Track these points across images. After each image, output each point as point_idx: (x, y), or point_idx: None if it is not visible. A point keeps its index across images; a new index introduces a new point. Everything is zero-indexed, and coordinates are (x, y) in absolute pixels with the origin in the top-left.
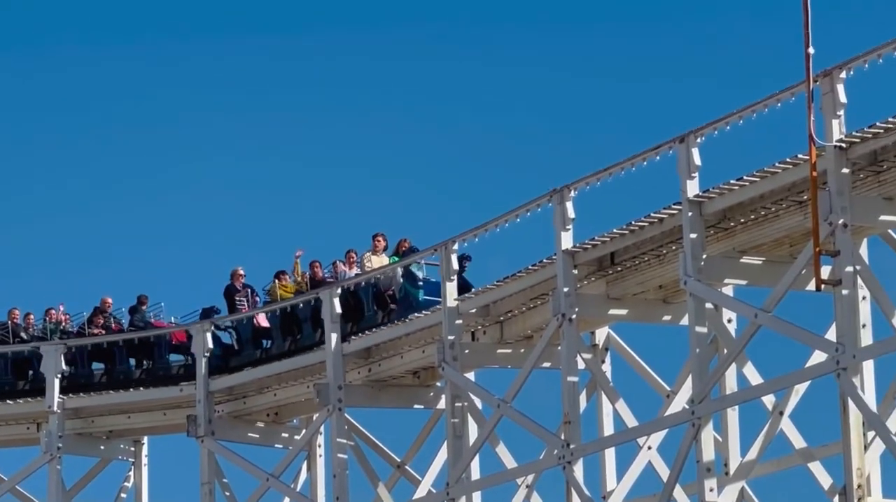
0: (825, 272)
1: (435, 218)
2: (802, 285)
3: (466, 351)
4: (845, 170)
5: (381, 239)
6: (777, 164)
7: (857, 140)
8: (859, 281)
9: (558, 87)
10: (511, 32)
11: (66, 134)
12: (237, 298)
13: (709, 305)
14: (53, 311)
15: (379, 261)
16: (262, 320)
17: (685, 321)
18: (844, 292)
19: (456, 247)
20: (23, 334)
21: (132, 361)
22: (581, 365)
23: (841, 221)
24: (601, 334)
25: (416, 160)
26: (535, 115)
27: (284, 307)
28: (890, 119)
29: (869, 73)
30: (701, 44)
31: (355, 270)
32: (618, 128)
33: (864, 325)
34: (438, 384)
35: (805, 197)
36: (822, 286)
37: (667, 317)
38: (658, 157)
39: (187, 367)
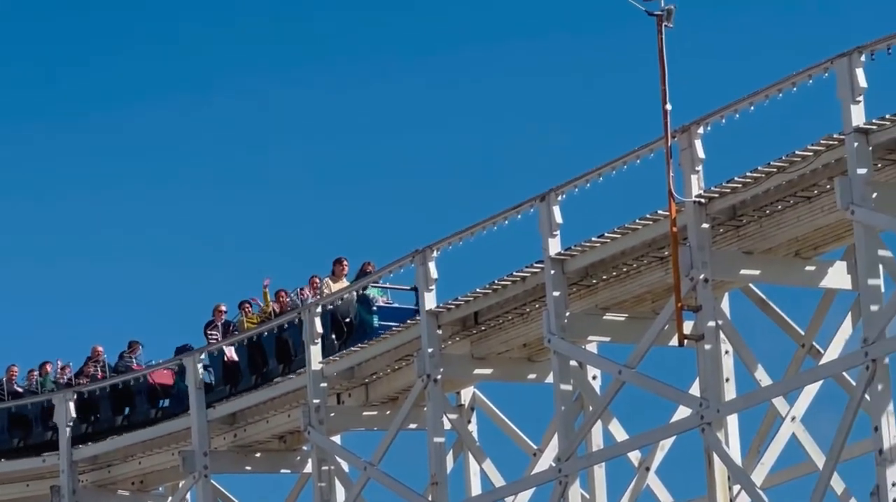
0: (687, 327)
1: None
2: (665, 340)
3: (332, 414)
4: (705, 226)
5: (343, 263)
6: (638, 221)
7: (716, 195)
8: (721, 335)
9: (409, 147)
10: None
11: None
12: (209, 333)
13: (573, 363)
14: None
15: (339, 286)
16: (233, 354)
17: (550, 379)
18: (707, 347)
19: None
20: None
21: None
22: (447, 425)
23: (702, 276)
24: (467, 394)
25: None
26: (399, 175)
27: (251, 339)
28: (748, 174)
29: (726, 129)
30: (563, 98)
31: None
32: (478, 186)
33: (727, 379)
34: (305, 448)
35: (666, 252)
36: (685, 341)
37: (532, 376)
38: (519, 216)
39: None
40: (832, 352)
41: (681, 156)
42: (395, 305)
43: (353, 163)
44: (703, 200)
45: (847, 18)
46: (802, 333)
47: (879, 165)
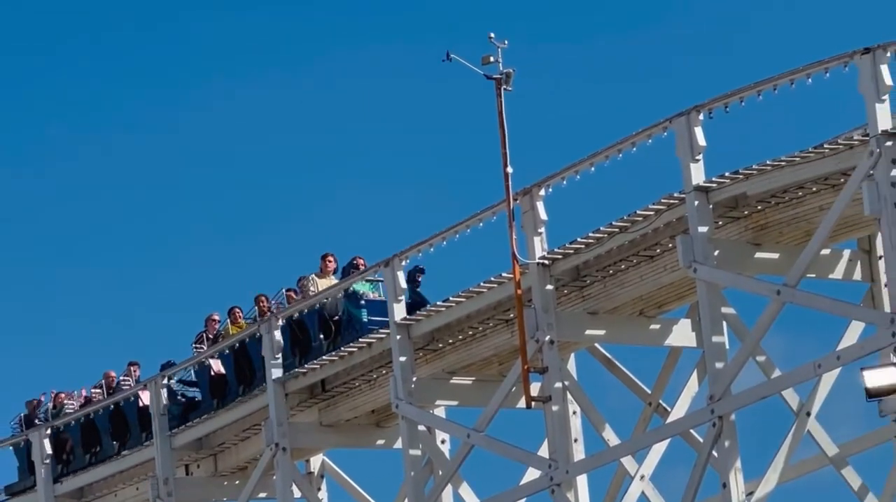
0: (535, 389)
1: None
2: (513, 403)
3: (181, 486)
4: (549, 287)
5: (330, 259)
6: (482, 284)
7: (560, 256)
8: (568, 396)
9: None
10: None
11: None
12: (194, 347)
13: (422, 427)
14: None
15: (326, 283)
16: (218, 366)
17: (399, 444)
18: (554, 408)
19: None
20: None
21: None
22: (297, 493)
23: (547, 338)
24: (316, 461)
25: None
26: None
27: (234, 347)
28: (590, 234)
29: (567, 190)
30: (410, 160)
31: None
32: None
33: (575, 440)
34: None
35: (511, 315)
36: (533, 403)
37: (381, 441)
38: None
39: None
40: (679, 410)
41: (523, 219)
42: (381, 299)
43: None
44: (546, 262)
45: (686, 77)
46: (649, 391)
47: (720, 223)
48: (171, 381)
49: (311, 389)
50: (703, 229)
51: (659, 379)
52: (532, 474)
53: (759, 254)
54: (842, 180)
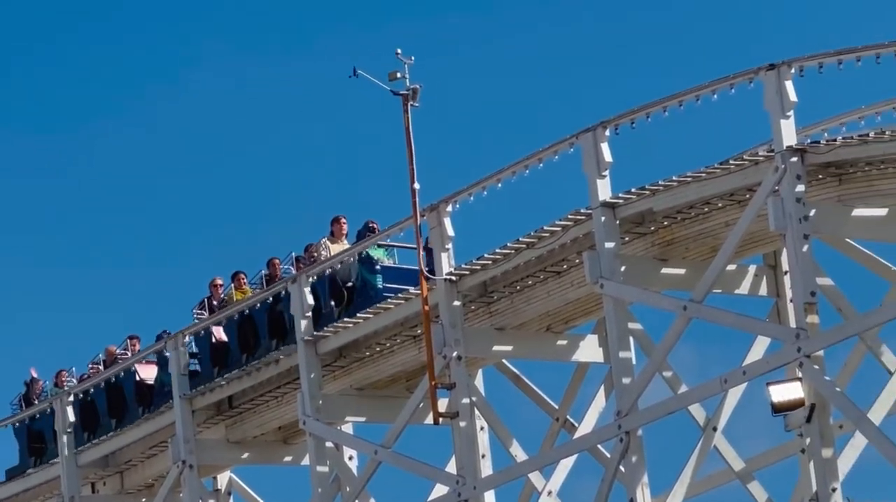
0: (442, 405)
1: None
2: (421, 419)
3: None
4: (457, 303)
5: (342, 222)
6: (390, 300)
7: (467, 272)
8: (476, 412)
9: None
10: None
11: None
12: (196, 312)
13: (329, 444)
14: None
15: (339, 248)
16: (221, 334)
17: (307, 461)
18: (462, 424)
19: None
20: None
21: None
22: None
23: (455, 354)
24: (223, 478)
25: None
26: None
27: (242, 313)
28: (497, 250)
29: (474, 206)
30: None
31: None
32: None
33: (483, 456)
34: None
35: (419, 331)
36: (440, 419)
37: (288, 458)
38: (270, 298)
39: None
40: (586, 426)
41: (431, 235)
42: (402, 266)
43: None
44: (454, 278)
45: (592, 93)
46: (556, 407)
47: (627, 239)
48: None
49: (218, 406)
50: (609, 245)
51: (566, 394)
52: (440, 490)
53: (665, 270)
54: (747, 196)
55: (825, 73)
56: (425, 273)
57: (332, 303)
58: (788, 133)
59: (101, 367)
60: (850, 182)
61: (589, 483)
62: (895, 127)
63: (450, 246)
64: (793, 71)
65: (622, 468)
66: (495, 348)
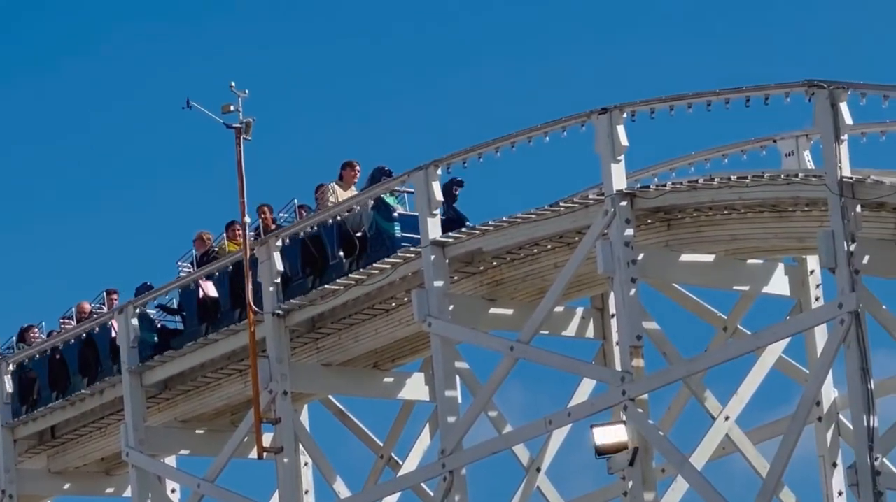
0: (267, 439)
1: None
2: (246, 453)
3: None
4: (284, 338)
5: (354, 167)
6: (218, 333)
7: (296, 307)
8: (301, 447)
9: None
10: None
11: None
12: (180, 265)
13: (152, 476)
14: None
15: (348, 194)
16: (210, 289)
17: (129, 492)
18: (286, 459)
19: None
20: None
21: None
22: None
23: (281, 389)
24: None
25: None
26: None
27: (227, 269)
28: (327, 286)
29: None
30: (147, 208)
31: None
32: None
33: (306, 491)
34: None
35: (246, 365)
36: (265, 454)
37: (110, 490)
38: (97, 329)
39: None
40: (410, 463)
41: (260, 269)
42: (413, 214)
43: None
44: (281, 312)
45: (426, 132)
46: (381, 444)
47: (456, 278)
48: (148, 308)
49: (41, 435)
50: (438, 283)
51: (391, 432)
52: None
53: (493, 310)
54: (577, 238)
55: (657, 119)
56: (253, 307)
57: (342, 253)
58: (619, 177)
59: (73, 322)
60: (679, 227)
61: None
62: (724, 174)
63: (278, 280)
64: (625, 115)
65: None
66: (322, 384)
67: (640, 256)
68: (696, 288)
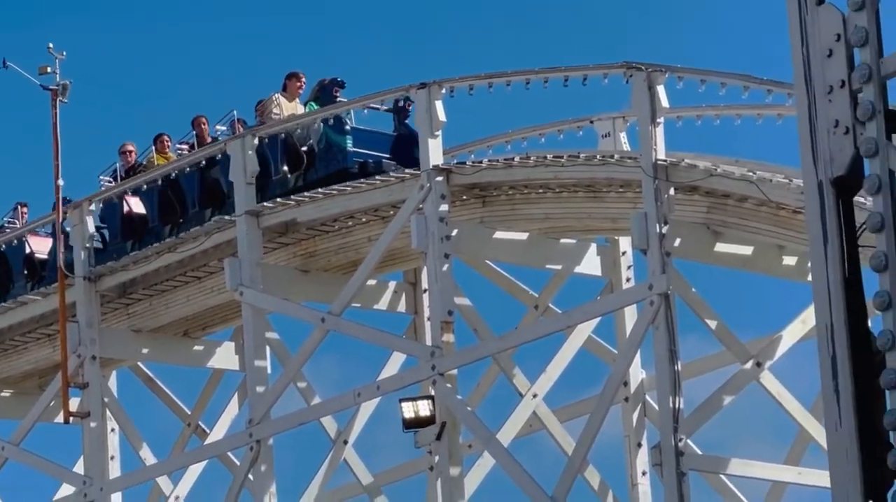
0: (74, 404)
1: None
2: (52, 417)
3: None
4: (94, 303)
5: (299, 78)
6: (28, 296)
7: (107, 272)
8: (108, 413)
9: None
10: None
11: None
12: (102, 179)
13: None
14: None
15: (292, 108)
16: (136, 205)
17: None
18: (92, 424)
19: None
20: None
21: None
22: None
23: (90, 354)
24: None
25: None
26: None
27: (165, 180)
28: (139, 252)
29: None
30: None
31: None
32: None
33: (112, 457)
34: None
35: (55, 329)
36: (71, 418)
37: None
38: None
39: None
40: (218, 432)
41: (73, 232)
42: (376, 130)
43: None
44: (92, 277)
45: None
46: (189, 412)
47: (269, 247)
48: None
49: None
50: (251, 253)
51: (200, 400)
52: (66, 490)
53: (306, 281)
54: (392, 212)
55: (476, 95)
56: (63, 270)
57: (285, 167)
58: (435, 152)
59: None
60: (494, 205)
61: (218, 490)
62: (540, 152)
63: (89, 245)
64: (443, 91)
65: (251, 476)
66: (131, 350)
67: (454, 232)
68: (508, 265)
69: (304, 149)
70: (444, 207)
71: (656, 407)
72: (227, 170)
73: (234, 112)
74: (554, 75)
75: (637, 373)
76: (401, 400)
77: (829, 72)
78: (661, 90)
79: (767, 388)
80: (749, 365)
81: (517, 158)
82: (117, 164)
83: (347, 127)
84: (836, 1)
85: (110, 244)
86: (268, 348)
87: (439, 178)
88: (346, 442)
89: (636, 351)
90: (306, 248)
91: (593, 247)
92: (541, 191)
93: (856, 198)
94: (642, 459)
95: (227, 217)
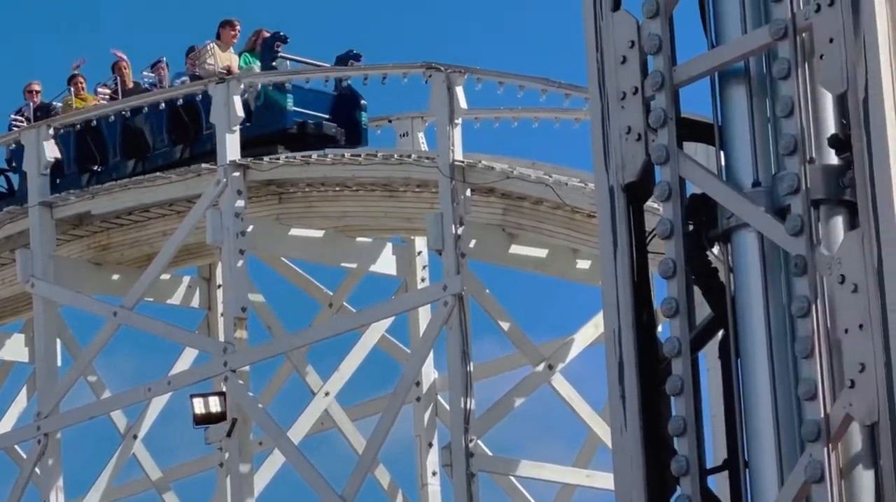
0: None
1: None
2: None
3: None
4: None
5: (234, 26)
6: None
7: None
8: None
9: None
10: None
11: None
12: (12, 122)
13: None
14: None
15: (227, 58)
16: (52, 149)
17: None
18: None
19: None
20: None
21: None
22: None
23: None
24: None
25: None
26: None
27: (87, 126)
28: None
29: None
30: None
31: (195, 72)
32: None
33: None
34: None
35: None
36: None
37: None
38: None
39: None
40: (5, 425)
41: None
42: (321, 90)
43: None
44: None
45: None
46: None
47: (63, 240)
48: None
49: None
50: (44, 245)
51: None
52: None
53: (100, 275)
54: (188, 207)
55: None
56: None
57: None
58: (233, 147)
59: None
60: (290, 202)
61: (3, 483)
62: (339, 151)
63: None
64: (241, 86)
65: (38, 470)
66: None
67: (250, 228)
68: (304, 263)
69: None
70: (241, 203)
71: (448, 408)
72: (155, 119)
73: (164, 58)
74: (353, 73)
75: (430, 374)
76: (192, 396)
77: (622, 78)
78: (459, 91)
79: (558, 391)
80: (541, 367)
81: (315, 156)
82: (23, 105)
83: (288, 85)
84: (632, 8)
85: (19, 191)
86: (58, 341)
87: (236, 174)
88: (135, 438)
89: (429, 351)
90: (100, 241)
91: (389, 247)
92: (338, 189)
93: (647, 204)
94: (433, 459)
95: (19, 207)
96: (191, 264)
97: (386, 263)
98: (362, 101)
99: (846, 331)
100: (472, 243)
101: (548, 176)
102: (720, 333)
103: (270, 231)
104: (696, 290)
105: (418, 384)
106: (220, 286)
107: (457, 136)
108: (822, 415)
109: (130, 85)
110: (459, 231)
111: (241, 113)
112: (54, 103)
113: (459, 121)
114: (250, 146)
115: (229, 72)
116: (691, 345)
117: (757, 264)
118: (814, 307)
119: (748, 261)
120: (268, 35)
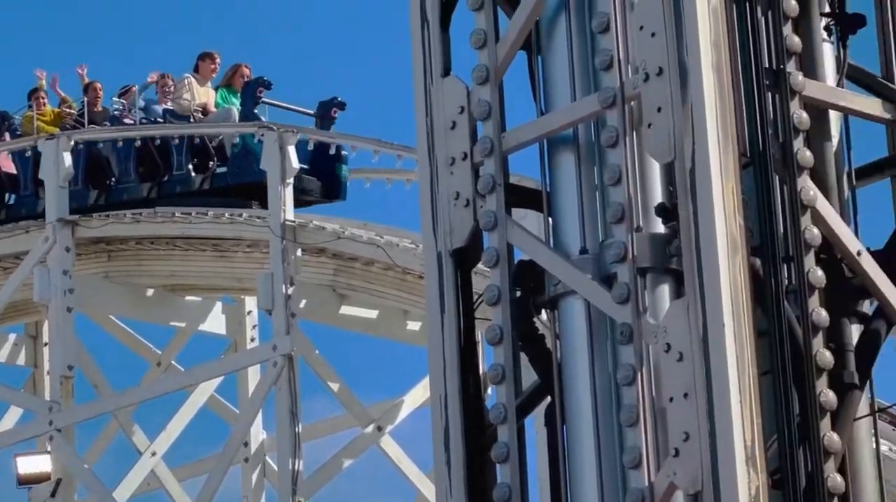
0: None
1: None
2: None
3: None
4: None
5: (213, 59)
6: None
7: None
8: None
9: None
10: None
11: None
12: None
13: None
14: None
15: (205, 93)
16: (8, 164)
17: None
18: None
19: None
20: None
21: None
22: None
23: None
24: None
25: None
26: None
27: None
28: None
29: None
30: None
31: (167, 105)
32: None
33: None
34: None
35: None
36: None
37: None
38: None
39: None
40: None
41: None
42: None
43: None
44: None
45: None
46: None
47: None
48: None
49: None
50: None
51: None
52: None
53: None
54: (15, 263)
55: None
56: None
57: (191, 165)
58: (61, 204)
59: None
60: (119, 259)
61: None
62: (168, 209)
63: None
64: (72, 143)
65: None
66: None
67: (78, 286)
68: (133, 321)
69: (214, 145)
70: (69, 260)
71: (276, 469)
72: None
73: (135, 86)
74: (186, 131)
75: (258, 434)
76: (16, 456)
77: (451, 143)
78: (291, 150)
79: (387, 452)
80: (370, 428)
81: (144, 213)
82: None
83: None
84: (462, 73)
85: None
86: None
87: (65, 231)
88: None
89: (258, 411)
90: None
91: (219, 306)
92: (168, 246)
93: (478, 267)
94: None
95: None
96: (17, 321)
97: (215, 323)
98: (343, 153)
99: (671, 399)
100: (303, 303)
101: (379, 237)
102: (547, 400)
103: (99, 289)
104: (524, 356)
105: (246, 445)
106: (46, 344)
107: (288, 196)
108: (647, 484)
109: (100, 108)
110: (290, 291)
111: (71, 170)
112: (13, 115)
113: (291, 180)
114: (221, 194)
115: (205, 110)
116: (517, 412)
117: (583, 331)
118: (639, 375)
119: (575, 328)
120: (248, 71)
